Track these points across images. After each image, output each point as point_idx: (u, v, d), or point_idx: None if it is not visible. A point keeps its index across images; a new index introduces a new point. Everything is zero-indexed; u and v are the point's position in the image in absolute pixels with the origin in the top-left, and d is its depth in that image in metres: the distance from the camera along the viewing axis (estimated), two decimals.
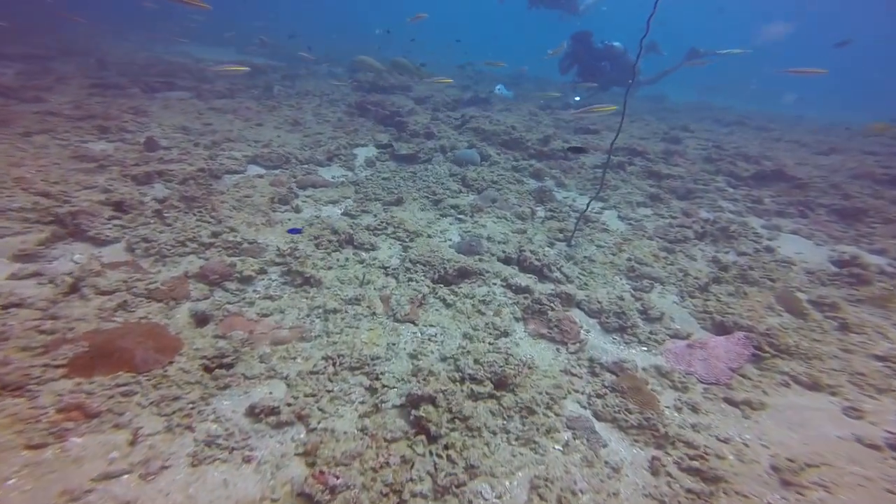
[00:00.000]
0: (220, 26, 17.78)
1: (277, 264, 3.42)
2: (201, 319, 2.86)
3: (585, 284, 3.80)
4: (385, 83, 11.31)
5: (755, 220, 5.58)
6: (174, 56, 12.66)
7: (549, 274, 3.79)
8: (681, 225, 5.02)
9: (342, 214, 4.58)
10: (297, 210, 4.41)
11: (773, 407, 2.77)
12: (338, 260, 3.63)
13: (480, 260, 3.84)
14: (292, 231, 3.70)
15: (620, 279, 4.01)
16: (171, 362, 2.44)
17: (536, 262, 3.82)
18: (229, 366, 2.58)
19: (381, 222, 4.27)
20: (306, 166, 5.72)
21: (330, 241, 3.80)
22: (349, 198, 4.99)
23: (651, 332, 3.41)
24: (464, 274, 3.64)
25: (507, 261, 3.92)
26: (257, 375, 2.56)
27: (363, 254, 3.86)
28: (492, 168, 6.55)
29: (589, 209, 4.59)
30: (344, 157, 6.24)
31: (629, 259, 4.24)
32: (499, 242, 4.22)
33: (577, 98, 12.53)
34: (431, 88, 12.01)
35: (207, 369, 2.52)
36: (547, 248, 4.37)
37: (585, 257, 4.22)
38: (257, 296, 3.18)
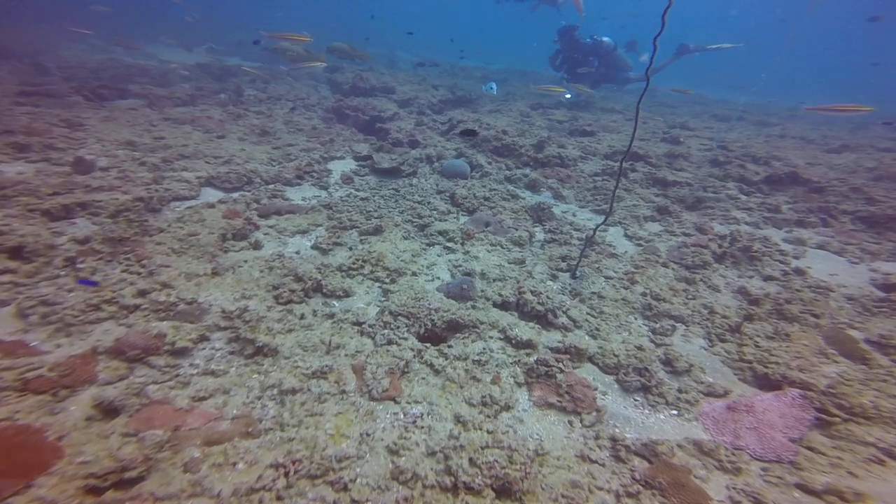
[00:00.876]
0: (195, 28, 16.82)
1: (223, 329, 2.77)
2: (109, 411, 2.21)
3: (596, 330, 3.22)
4: (366, 84, 10.63)
5: (775, 233, 5.07)
6: (136, 58, 11.76)
7: (553, 320, 3.20)
8: (696, 244, 4.48)
9: (312, 248, 3.93)
10: (257, 246, 3.74)
11: (876, 498, 2.15)
12: (302, 317, 2.98)
13: (474, 306, 3.23)
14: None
15: (636, 319, 3.44)
16: (27, 486, 1.77)
17: (539, 307, 3.23)
18: (134, 482, 1.93)
19: (357, 259, 3.63)
20: (272, 187, 5.03)
21: (293, 292, 3.15)
22: (321, 226, 4.33)
23: (680, 390, 2.85)
24: (455, 327, 3.03)
25: (504, 305, 3.32)
26: (175, 495, 1.92)
27: (334, 303, 3.22)
28: (483, 181, 5.94)
29: (593, 230, 4.00)
30: (317, 174, 5.57)
31: (644, 293, 3.67)
32: (494, 280, 3.61)
33: (568, 95, 12.02)
34: (417, 89, 11.33)
35: (94, 491, 1.86)
36: (549, 282, 3.78)
37: (594, 293, 3.64)
38: (194, 371, 2.52)
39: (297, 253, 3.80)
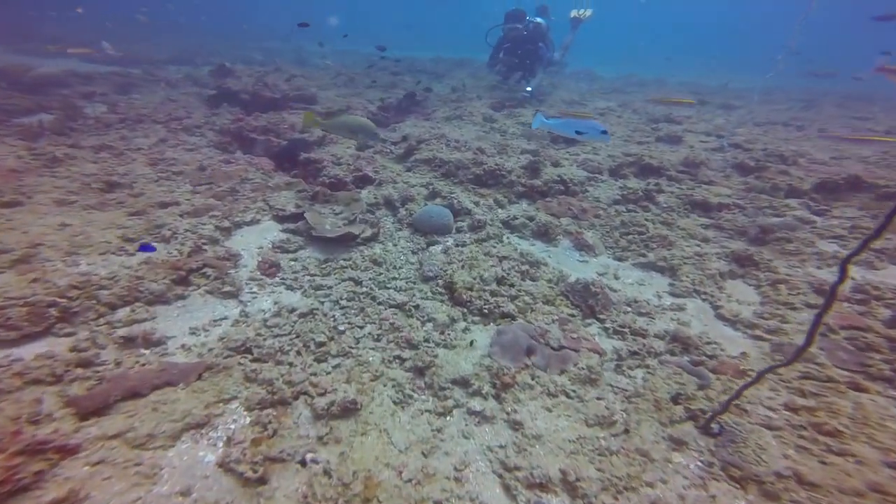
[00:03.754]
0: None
1: None
2: None
3: None
4: (274, 92, 8.49)
5: None
6: None
7: None
8: (849, 325, 3.27)
9: (219, 468, 2.02)
10: None
11: None
12: None
13: None
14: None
15: None
16: None
17: None
18: None
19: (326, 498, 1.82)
20: (123, 315, 2.95)
21: None
22: (235, 399, 2.41)
23: None
24: None
25: None
26: None
27: None
28: (479, 237, 4.34)
29: (757, 376, 2.61)
30: (215, 268, 3.56)
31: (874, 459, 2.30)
32: (597, 495, 2.02)
33: (529, 89, 10.98)
34: (346, 94, 9.38)
35: None
36: (678, 457, 2.28)
37: (776, 473, 2.20)
38: None
39: (189, 496, 1.88)
